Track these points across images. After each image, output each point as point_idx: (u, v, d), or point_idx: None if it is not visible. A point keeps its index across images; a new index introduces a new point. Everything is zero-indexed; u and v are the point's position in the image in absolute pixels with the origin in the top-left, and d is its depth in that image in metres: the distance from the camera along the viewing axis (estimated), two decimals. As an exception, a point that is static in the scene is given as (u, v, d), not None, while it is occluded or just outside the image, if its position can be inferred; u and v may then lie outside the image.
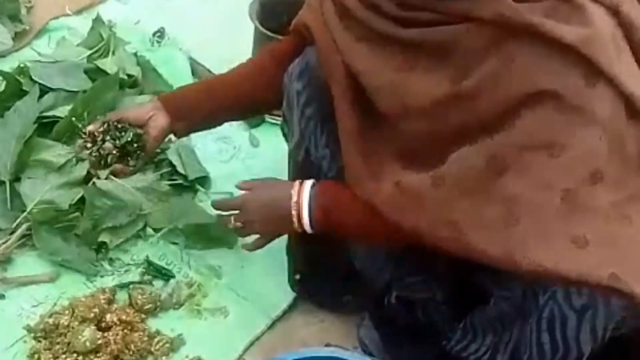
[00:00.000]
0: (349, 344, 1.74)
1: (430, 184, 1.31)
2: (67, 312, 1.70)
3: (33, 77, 2.10)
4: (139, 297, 1.76)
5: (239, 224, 1.59)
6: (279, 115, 1.70)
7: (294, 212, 1.48)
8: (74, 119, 1.85)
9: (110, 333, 1.68)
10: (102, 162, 1.73)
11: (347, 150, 1.44)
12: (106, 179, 1.83)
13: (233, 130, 2.22)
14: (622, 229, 1.24)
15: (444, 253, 1.32)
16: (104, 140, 1.71)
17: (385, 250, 1.59)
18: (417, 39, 1.32)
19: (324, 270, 1.77)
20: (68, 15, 2.56)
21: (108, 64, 2.21)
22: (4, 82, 2.10)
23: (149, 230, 1.93)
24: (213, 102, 1.70)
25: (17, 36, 2.41)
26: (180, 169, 2.03)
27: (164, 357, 1.69)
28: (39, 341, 1.68)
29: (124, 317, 1.71)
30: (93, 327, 1.66)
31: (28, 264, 1.83)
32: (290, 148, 1.64)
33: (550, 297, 1.28)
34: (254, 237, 1.64)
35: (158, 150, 1.91)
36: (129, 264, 1.87)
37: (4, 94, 2.06)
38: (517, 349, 1.36)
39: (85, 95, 2.04)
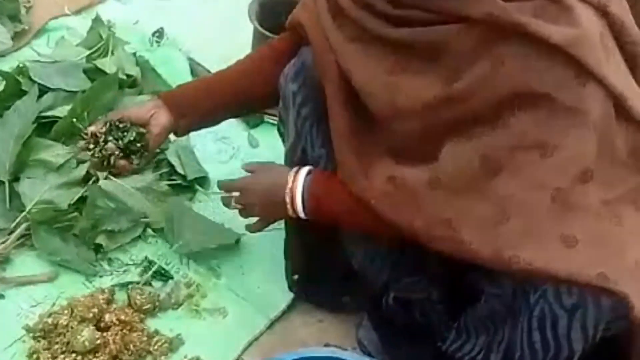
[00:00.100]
0: (347, 344, 1.74)
1: (426, 183, 1.32)
2: (66, 312, 1.70)
3: (32, 77, 2.09)
4: (138, 297, 1.76)
5: (239, 205, 1.62)
6: (277, 116, 1.70)
7: (287, 199, 1.50)
8: (74, 120, 1.84)
9: (109, 333, 1.68)
10: (105, 163, 1.72)
11: (339, 149, 1.45)
12: (105, 178, 1.83)
13: (232, 130, 2.22)
14: (611, 228, 1.25)
15: (437, 251, 1.33)
16: (106, 141, 1.70)
17: (383, 251, 1.59)
18: (408, 39, 1.33)
19: (322, 271, 1.77)
20: (67, 15, 2.55)
21: (107, 64, 2.21)
22: (3, 82, 2.09)
23: (148, 231, 1.93)
24: (212, 99, 1.71)
25: (16, 36, 2.41)
26: (179, 169, 2.03)
27: (162, 357, 1.69)
28: (38, 341, 1.68)
29: (122, 317, 1.71)
30: (92, 327, 1.66)
31: (27, 263, 1.83)
32: (286, 148, 1.64)
33: (541, 296, 1.28)
34: (255, 219, 1.67)
35: (157, 150, 1.91)
36: (128, 264, 1.87)
37: (3, 94, 2.06)
38: (510, 348, 1.37)
39: (84, 95, 2.03)
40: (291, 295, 1.84)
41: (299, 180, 1.50)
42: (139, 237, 1.92)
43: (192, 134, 1.91)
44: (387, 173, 1.38)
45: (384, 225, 1.38)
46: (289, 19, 1.65)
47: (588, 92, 1.23)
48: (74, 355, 1.63)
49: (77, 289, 1.79)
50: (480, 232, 1.28)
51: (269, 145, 2.17)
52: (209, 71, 2.37)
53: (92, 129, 1.72)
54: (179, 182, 2.03)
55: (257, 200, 1.60)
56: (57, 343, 1.66)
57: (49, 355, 1.64)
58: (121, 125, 1.70)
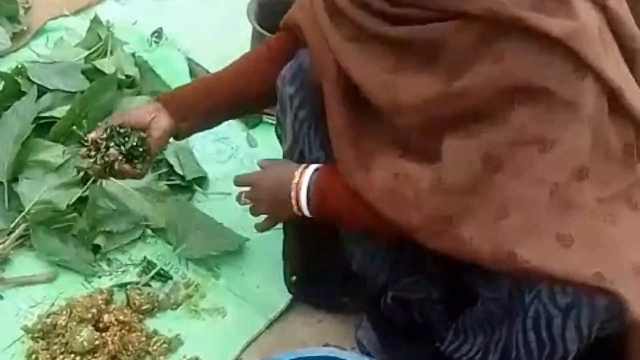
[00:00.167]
0: (347, 344, 1.74)
1: (428, 182, 1.32)
2: (64, 312, 1.70)
3: (31, 78, 2.10)
4: (137, 297, 1.76)
5: (248, 200, 1.60)
6: (275, 116, 1.70)
7: (292, 194, 1.47)
8: (73, 122, 1.82)
9: (108, 333, 1.68)
10: (108, 170, 1.67)
11: (338, 146, 1.44)
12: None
13: (231, 130, 2.22)
14: (606, 227, 1.26)
15: (435, 249, 1.33)
16: (107, 147, 1.65)
17: (382, 251, 1.59)
18: (406, 37, 1.33)
19: (321, 272, 1.77)
20: (66, 15, 2.56)
21: (106, 65, 2.21)
22: (2, 83, 2.10)
23: (148, 231, 1.93)
24: (211, 100, 1.69)
25: (15, 37, 2.41)
26: (178, 170, 2.03)
27: (161, 358, 1.69)
28: (37, 341, 1.67)
29: (121, 318, 1.71)
30: (91, 328, 1.66)
31: (26, 264, 1.83)
32: (284, 150, 1.64)
33: (535, 296, 1.28)
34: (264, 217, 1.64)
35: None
36: (126, 265, 1.87)
37: (2, 95, 2.07)
38: (507, 348, 1.37)
39: (83, 95, 2.04)
40: (290, 295, 1.84)
41: (305, 176, 1.47)
42: (138, 237, 1.92)
43: (191, 134, 1.91)
44: (390, 168, 1.37)
45: (383, 223, 1.38)
46: (284, 18, 1.65)
47: (586, 86, 1.23)
48: (72, 355, 1.63)
49: (76, 290, 1.79)
50: (480, 229, 1.27)
51: (267, 145, 2.17)
52: (207, 71, 2.37)
53: (92, 135, 1.67)
54: (177, 182, 2.03)
55: (263, 195, 1.57)
56: (55, 343, 1.66)
57: (48, 356, 1.64)
58: (122, 131, 1.66)
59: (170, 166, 2.02)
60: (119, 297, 1.79)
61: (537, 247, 1.24)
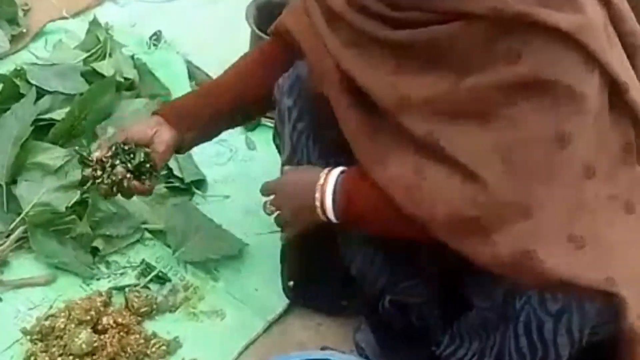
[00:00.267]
0: (345, 347, 1.74)
1: (448, 181, 1.29)
2: (63, 314, 1.70)
3: (30, 80, 2.10)
4: (135, 299, 1.76)
5: (273, 207, 1.52)
6: (273, 118, 1.70)
7: (317, 196, 1.41)
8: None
9: (107, 336, 1.68)
10: (115, 189, 1.62)
11: (356, 147, 1.41)
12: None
13: (229, 133, 2.21)
14: (613, 227, 1.25)
15: (455, 248, 1.29)
16: (113, 166, 1.60)
17: (381, 256, 1.58)
18: (407, 40, 1.31)
19: (319, 276, 1.76)
20: (65, 18, 2.56)
21: (105, 67, 2.21)
22: (1, 85, 2.10)
23: (146, 234, 1.93)
24: (211, 107, 1.67)
25: (14, 39, 2.42)
26: (176, 172, 2.03)
27: (160, 360, 1.70)
28: (35, 344, 1.67)
29: (120, 320, 1.71)
30: (89, 330, 1.66)
31: (24, 266, 1.83)
32: (282, 160, 1.63)
33: (526, 302, 1.27)
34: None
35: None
36: (125, 267, 1.87)
37: (0, 97, 2.07)
38: (500, 353, 1.36)
39: (82, 98, 2.04)
40: (289, 298, 1.84)
41: (331, 178, 1.41)
42: (137, 240, 1.92)
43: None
44: (408, 165, 1.34)
45: (408, 225, 1.33)
46: (274, 25, 1.63)
47: (594, 80, 1.23)
48: (71, 357, 1.63)
49: (75, 292, 1.78)
50: (503, 229, 1.24)
51: (266, 147, 2.16)
52: (206, 74, 2.37)
53: (96, 154, 1.62)
54: (176, 184, 2.03)
55: (288, 201, 1.49)
56: (54, 346, 1.65)
57: (47, 358, 1.63)
58: (126, 148, 1.61)
59: (169, 169, 2.02)
60: (118, 300, 1.79)
61: (552, 248, 1.22)
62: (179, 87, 2.33)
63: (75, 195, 1.89)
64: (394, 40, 1.33)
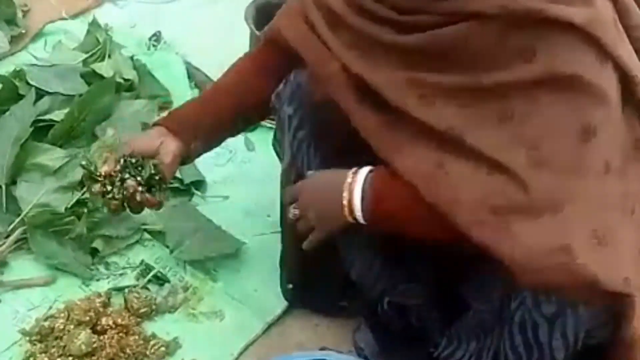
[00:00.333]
0: (344, 347, 1.74)
1: (473, 175, 1.26)
2: (62, 315, 1.70)
3: (29, 81, 2.10)
4: (135, 300, 1.76)
5: (296, 211, 1.46)
6: (273, 119, 1.69)
7: (345, 195, 1.36)
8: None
9: (106, 336, 1.68)
10: (127, 203, 1.55)
11: (375, 141, 1.37)
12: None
13: (229, 134, 2.22)
14: (623, 226, 1.23)
15: (479, 240, 1.24)
16: (122, 180, 1.54)
17: (380, 261, 1.58)
18: (417, 44, 1.30)
19: (319, 279, 1.75)
20: (64, 19, 2.56)
21: (104, 68, 2.22)
22: (0, 86, 2.10)
23: (145, 234, 1.93)
24: (213, 114, 1.63)
25: (13, 40, 2.42)
26: (176, 173, 2.03)
27: (159, 361, 1.70)
28: (35, 344, 1.67)
29: (119, 321, 1.71)
30: (88, 331, 1.66)
31: (24, 267, 1.83)
32: (283, 167, 1.62)
33: (521, 302, 1.27)
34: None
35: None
36: (124, 268, 1.87)
37: (0, 98, 2.07)
38: (497, 353, 1.36)
39: (81, 99, 2.04)
40: (288, 299, 1.84)
41: (359, 176, 1.36)
42: (136, 241, 1.92)
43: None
44: (430, 158, 1.31)
45: (439, 222, 1.28)
46: (266, 32, 1.61)
47: (609, 73, 1.22)
48: (70, 358, 1.63)
49: (74, 293, 1.78)
50: (535, 222, 1.21)
51: (265, 148, 2.16)
52: (206, 75, 2.37)
53: (104, 169, 1.55)
54: (175, 185, 2.03)
55: (313, 202, 1.43)
56: (53, 347, 1.65)
57: (46, 359, 1.64)
58: (134, 161, 1.55)
59: (169, 170, 2.02)
60: (117, 300, 1.79)
61: (582, 244, 1.19)
62: (179, 88, 2.33)
63: (75, 196, 1.89)
64: (403, 44, 1.31)
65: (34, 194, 1.87)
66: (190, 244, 1.88)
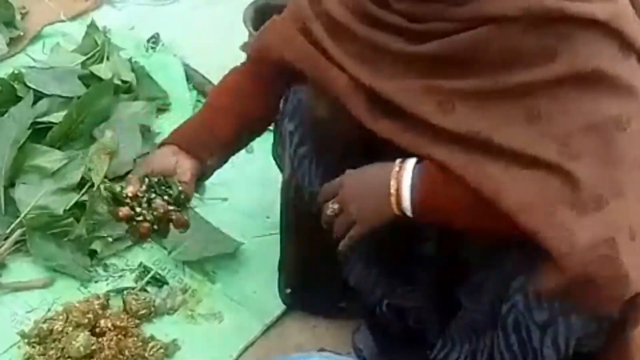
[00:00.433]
0: (343, 349, 1.73)
1: (521, 168, 1.23)
2: (61, 317, 1.70)
3: (27, 83, 2.10)
4: (133, 302, 1.76)
5: (336, 205, 1.36)
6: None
7: (392, 183, 1.30)
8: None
9: (105, 338, 1.68)
10: (159, 224, 1.46)
11: (408, 143, 1.32)
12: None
13: (228, 135, 2.22)
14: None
15: (526, 228, 1.21)
16: (149, 200, 1.46)
17: (377, 268, 1.58)
18: (432, 52, 1.26)
19: (318, 282, 1.75)
20: (62, 21, 2.56)
21: (102, 70, 2.22)
22: (-1, 88, 2.10)
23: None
24: (218, 137, 1.57)
25: (11, 42, 2.42)
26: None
27: (158, 363, 1.70)
28: (33, 347, 1.67)
29: (118, 323, 1.71)
30: (87, 333, 1.66)
31: (22, 269, 1.83)
32: (282, 180, 1.62)
33: (513, 305, 1.27)
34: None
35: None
36: (123, 270, 1.87)
37: (-2, 100, 2.07)
38: (492, 355, 1.36)
39: (79, 101, 2.04)
40: (287, 300, 1.84)
41: (408, 164, 1.30)
42: (135, 242, 1.92)
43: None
44: (457, 157, 1.27)
45: (490, 214, 1.24)
46: (253, 50, 1.58)
47: (633, 64, 1.22)
48: (69, 360, 1.64)
49: (73, 295, 1.78)
50: (582, 218, 1.18)
51: (264, 150, 2.15)
52: (204, 77, 2.37)
53: (130, 190, 1.45)
54: (174, 187, 2.03)
55: (354, 193, 1.35)
56: (52, 349, 1.65)
57: (45, 361, 1.64)
58: (157, 180, 1.47)
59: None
60: (116, 302, 1.79)
61: (623, 238, 1.17)
62: (177, 90, 2.33)
63: (73, 198, 1.89)
64: (414, 53, 1.28)
65: (33, 196, 1.87)
66: (189, 245, 1.88)
